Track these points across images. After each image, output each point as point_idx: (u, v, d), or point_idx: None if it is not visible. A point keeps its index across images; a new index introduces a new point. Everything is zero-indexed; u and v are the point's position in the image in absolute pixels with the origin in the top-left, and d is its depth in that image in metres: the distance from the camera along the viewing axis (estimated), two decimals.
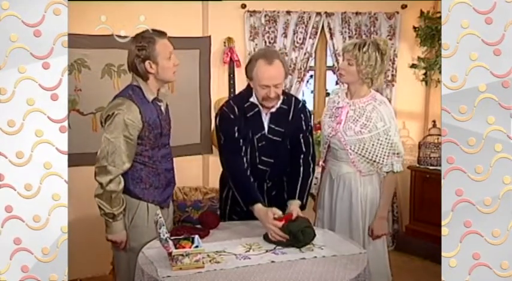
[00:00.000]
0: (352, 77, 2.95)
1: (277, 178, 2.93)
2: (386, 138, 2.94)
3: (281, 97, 2.84)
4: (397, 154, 2.99)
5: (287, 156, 2.93)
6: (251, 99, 2.83)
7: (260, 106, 2.82)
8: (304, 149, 2.93)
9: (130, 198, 2.62)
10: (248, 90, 2.85)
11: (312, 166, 2.94)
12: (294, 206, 2.75)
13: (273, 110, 2.83)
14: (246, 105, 2.83)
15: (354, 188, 2.99)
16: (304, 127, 2.94)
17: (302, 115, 2.95)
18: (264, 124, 2.85)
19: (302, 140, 2.93)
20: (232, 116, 2.82)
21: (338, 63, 4.54)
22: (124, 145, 2.52)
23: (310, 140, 2.97)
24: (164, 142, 2.70)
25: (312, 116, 4.63)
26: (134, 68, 2.58)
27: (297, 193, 2.82)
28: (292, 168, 2.92)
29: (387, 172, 3.01)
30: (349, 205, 3.00)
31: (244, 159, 2.81)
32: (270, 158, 2.88)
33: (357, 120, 2.94)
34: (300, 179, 2.87)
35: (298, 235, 2.48)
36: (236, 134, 2.80)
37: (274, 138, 2.86)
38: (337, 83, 4.88)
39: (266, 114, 2.85)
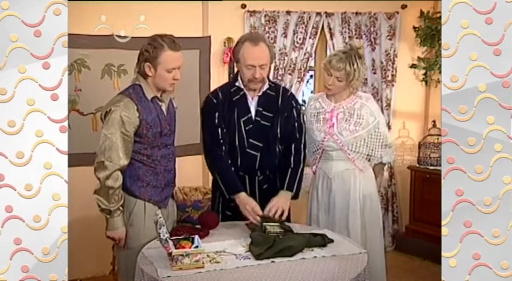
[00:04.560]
0: (340, 90, 3.05)
1: (268, 170, 2.95)
2: (376, 132, 3.06)
3: (266, 81, 2.93)
4: (386, 145, 3.08)
5: (277, 146, 2.97)
6: (236, 84, 2.93)
7: (245, 90, 2.91)
8: (297, 136, 3.00)
9: (128, 196, 2.64)
10: (235, 77, 2.97)
11: (302, 154, 3.01)
12: (276, 199, 2.83)
13: (259, 93, 2.92)
14: (232, 90, 2.93)
15: (352, 185, 3.06)
16: (296, 114, 3.01)
17: (293, 102, 3.03)
18: (250, 107, 2.92)
19: (297, 127, 3.00)
20: (214, 101, 2.93)
21: None
22: (121, 141, 2.54)
23: (303, 127, 3.05)
24: (165, 142, 2.70)
25: None
26: (138, 65, 2.63)
27: (285, 183, 2.91)
28: (284, 157, 2.98)
29: (376, 164, 3.15)
30: (347, 202, 3.05)
31: (223, 147, 2.89)
32: (259, 142, 2.91)
33: (349, 119, 3.02)
34: (290, 168, 2.95)
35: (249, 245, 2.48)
36: (216, 121, 2.89)
37: (263, 122, 2.92)
38: None
39: (253, 98, 2.93)
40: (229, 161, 2.91)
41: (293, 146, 2.98)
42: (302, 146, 3.01)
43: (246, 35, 2.95)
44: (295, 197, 2.95)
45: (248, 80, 2.86)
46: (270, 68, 2.95)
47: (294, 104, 3.02)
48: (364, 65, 3.04)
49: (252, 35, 2.92)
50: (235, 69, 4.31)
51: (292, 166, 2.95)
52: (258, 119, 2.91)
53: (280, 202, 2.83)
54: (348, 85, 3.01)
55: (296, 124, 3.00)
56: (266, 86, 2.94)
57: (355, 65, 2.96)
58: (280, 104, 2.95)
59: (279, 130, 2.94)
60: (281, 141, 2.98)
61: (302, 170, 2.99)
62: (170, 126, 2.73)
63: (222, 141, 2.89)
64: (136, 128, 2.58)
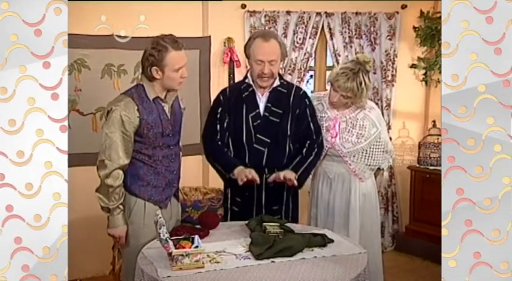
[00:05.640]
0: (344, 104, 3.06)
1: (276, 168, 2.94)
2: (378, 142, 3.08)
3: (277, 78, 2.95)
4: (386, 151, 3.08)
5: (287, 143, 2.97)
6: (246, 80, 2.98)
7: (254, 86, 2.94)
8: (314, 136, 3.02)
9: (128, 195, 2.66)
10: (246, 74, 3.02)
11: (316, 150, 3.01)
12: (284, 172, 2.85)
13: (269, 89, 2.94)
14: (242, 87, 2.98)
15: (353, 184, 3.07)
16: (310, 113, 3.02)
17: (306, 101, 3.04)
18: (258, 103, 2.95)
19: (312, 127, 3.02)
20: (221, 97, 3.00)
21: (338, 63, 4.53)
22: (120, 140, 2.56)
23: (320, 128, 3.06)
24: (167, 143, 2.70)
25: None
26: (142, 68, 2.63)
27: (292, 165, 2.92)
28: (297, 150, 3.00)
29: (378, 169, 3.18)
30: (347, 202, 3.06)
31: (219, 142, 2.94)
32: (266, 138, 2.93)
33: (351, 130, 3.02)
34: (300, 156, 2.98)
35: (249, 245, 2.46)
36: (218, 116, 2.96)
37: (271, 118, 2.93)
38: None
39: (263, 94, 2.95)
40: (233, 155, 2.95)
41: (308, 142, 3.00)
42: (316, 144, 3.02)
43: (259, 32, 3.04)
44: (299, 185, 2.95)
45: (257, 75, 2.88)
46: (280, 65, 2.98)
47: (307, 103, 3.04)
48: (370, 81, 3.02)
49: (264, 32, 2.98)
50: (235, 70, 4.36)
51: (303, 155, 2.98)
52: (267, 114, 2.93)
53: (282, 172, 2.85)
54: (354, 103, 3.01)
55: (311, 124, 3.02)
56: (277, 82, 2.96)
57: (363, 84, 2.94)
58: (292, 102, 2.97)
59: (289, 127, 2.95)
60: (294, 139, 2.99)
61: (311, 162, 2.99)
62: (173, 127, 2.72)
63: (219, 135, 2.95)
64: (136, 128, 2.59)
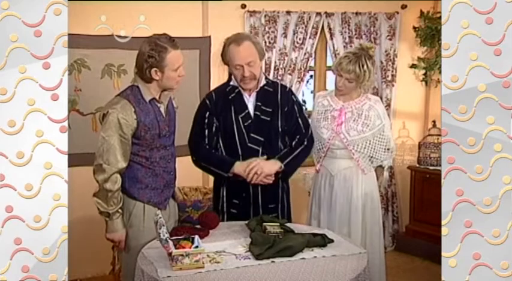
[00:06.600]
0: (350, 90, 3.08)
1: None
2: (381, 135, 3.09)
3: (263, 77, 2.96)
4: (388, 149, 3.09)
5: (279, 142, 2.98)
6: (231, 83, 2.97)
7: (240, 87, 2.94)
8: (303, 131, 3.03)
9: (127, 198, 2.64)
10: (230, 77, 3.01)
11: (305, 143, 3.02)
12: (258, 160, 2.84)
13: (256, 89, 2.94)
14: (227, 89, 2.97)
15: (354, 183, 3.08)
16: (298, 109, 3.03)
17: (293, 97, 3.06)
18: (247, 103, 2.95)
19: (301, 123, 3.03)
20: (207, 102, 2.99)
21: None
22: (118, 143, 2.54)
23: (308, 122, 3.08)
24: (164, 143, 2.69)
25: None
26: (139, 70, 2.59)
27: (279, 155, 2.92)
28: (288, 145, 3.01)
29: (378, 166, 3.18)
30: (349, 199, 3.07)
31: (207, 146, 2.94)
32: (260, 136, 2.93)
33: (357, 120, 3.03)
34: (288, 148, 2.99)
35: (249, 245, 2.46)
36: (206, 121, 2.95)
37: (262, 117, 2.93)
38: None
39: (250, 94, 2.95)
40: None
41: (298, 136, 3.01)
42: (306, 138, 3.02)
43: (231, 38, 2.94)
44: (284, 176, 2.96)
45: (239, 79, 2.89)
46: (260, 65, 2.95)
47: (294, 99, 3.06)
48: (374, 66, 3.04)
49: (236, 37, 2.91)
50: None
51: (291, 146, 2.99)
52: (258, 113, 2.93)
53: (262, 163, 2.84)
54: (359, 88, 3.03)
55: (300, 119, 3.03)
56: (263, 81, 2.97)
57: (365, 66, 2.97)
58: (280, 99, 2.98)
59: (279, 124, 2.96)
60: (285, 136, 3.00)
61: (300, 154, 2.98)
62: (169, 128, 2.71)
63: (207, 140, 2.94)
64: (133, 131, 2.57)
